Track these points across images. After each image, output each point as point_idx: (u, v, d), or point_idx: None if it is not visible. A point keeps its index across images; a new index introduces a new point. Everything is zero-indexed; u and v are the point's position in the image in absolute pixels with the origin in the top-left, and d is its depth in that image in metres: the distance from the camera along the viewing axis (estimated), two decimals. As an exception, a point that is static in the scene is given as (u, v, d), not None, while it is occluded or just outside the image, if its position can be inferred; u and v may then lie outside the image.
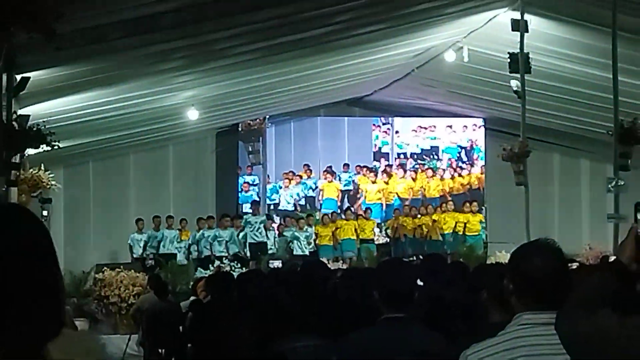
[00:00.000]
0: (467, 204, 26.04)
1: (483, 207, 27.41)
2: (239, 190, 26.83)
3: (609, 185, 17.04)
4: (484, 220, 26.36)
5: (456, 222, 25.60)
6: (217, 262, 21.72)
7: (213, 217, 24.23)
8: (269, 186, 26.97)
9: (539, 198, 24.18)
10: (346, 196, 27.26)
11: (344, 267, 19.78)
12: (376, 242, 25.57)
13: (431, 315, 5.74)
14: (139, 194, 25.68)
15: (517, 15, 17.83)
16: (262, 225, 23.96)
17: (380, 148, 27.88)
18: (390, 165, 27.59)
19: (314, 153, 27.39)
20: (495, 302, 4.78)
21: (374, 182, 27.16)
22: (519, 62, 18.19)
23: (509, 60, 18.38)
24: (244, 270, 18.61)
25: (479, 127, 27.79)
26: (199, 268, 21.42)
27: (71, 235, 22.53)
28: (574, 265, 7.86)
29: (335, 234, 24.80)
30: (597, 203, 25.65)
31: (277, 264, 21.45)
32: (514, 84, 18.86)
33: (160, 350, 14.37)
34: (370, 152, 27.73)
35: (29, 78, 12.90)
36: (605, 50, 16.49)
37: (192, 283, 16.20)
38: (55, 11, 9.40)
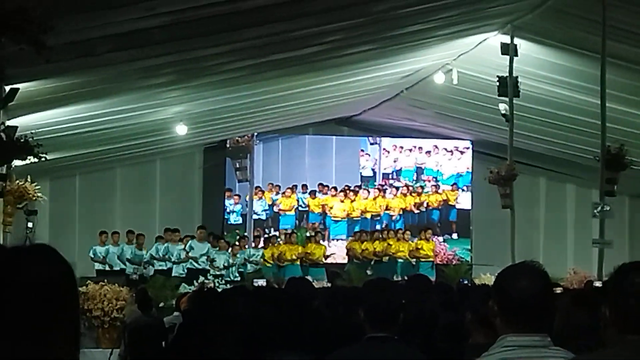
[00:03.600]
0: (422, 232, 26.00)
1: (470, 229, 27.51)
2: (225, 204, 26.79)
3: (595, 211, 17.09)
4: (437, 247, 26.31)
5: (410, 250, 25.42)
6: (201, 278, 21.63)
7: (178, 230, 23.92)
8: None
9: (525, 221, 24.27)
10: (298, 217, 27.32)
11: (328, 285, 19.76)
12: (328, 261, 25.42)
13: (416, 335, 5.73)
14: (125, 208, 25.62)
15: (507, 39, 17.93)
16: (206, 254, 23.27)
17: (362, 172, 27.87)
18: (359, 186, 27.53)
19: (301, 171, 27.39)
20: (479, 323, 4.78)
21: (342, 201, 27.11)
22: (508, 86, 18.29)
23: (497, 83, 18.47)
24: (229, 286, 18.54)
25: (434, 146, 27.90)
26: (182, 283, 21.32)
27: (56, 247, 22.27)
28: (558, 290, 7.87)
29: (281, 257, 24.67)
30: (582, 228, 25.76)
31: (261, 282, 21.36)
32: (503, 107, 18.95)
33: (142, 365, 14.29)
34: (357, 171, 27.74)
35: (17, 89, 12.86)
36: (594, 76, 16.57)
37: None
38: (45, 24, 9.39)
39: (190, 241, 23.31)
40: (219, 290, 14.25)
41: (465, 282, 17.77)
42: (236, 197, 26.82)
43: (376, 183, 27.65)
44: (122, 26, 12.14)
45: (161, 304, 18.87)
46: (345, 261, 25.78)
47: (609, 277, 3.74)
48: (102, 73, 14.71)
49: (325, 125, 27.17)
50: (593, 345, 3.94)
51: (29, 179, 15.53)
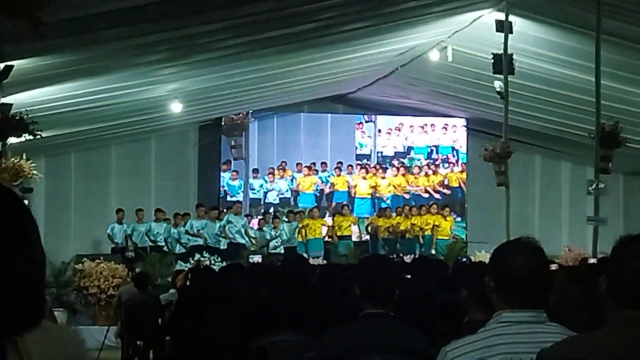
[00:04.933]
0: (441, 209, 26.23)
1: (465, 207, 27.60)
2: (220, 181, 26.81)
3: (590, 188, 17.12)
4: (456, 222, 26.51)
5: (434, 225, 25.73)
6: (197, 256, 21.68)
7: (189, 213, 24.29)
8: (257, 181, 26.94)
9: (520, 199, 24.27)
10: (321, 195, 27.37)
11: (324, 262, 19.81)
12: (355, 239, 25.67)
13: (412, 312, 5.76)
14: (120, 185, 25.63)
15: (501, 16, 17.89)
16: (243, 227, 24.01)
17: (356, 147, 27.90)
18: (375, 165, 27.71)
19: (296, 149, 27.40)
20: (475, 300, 4.80)
21: (364, 178, 27.23)
22: (503, 63, 18.25)
23: (492, 61, 18.43)
24: (224, 264, 18.59)
25: (452, 126, 27.96)
26: (178, 261, 21.39)
27: (51, 225, 22.44)
28: (553, 267, 7.91)
29: (303, 232, 24.90)
30: (577, 205, 25.79)
31: (257, 258, 21.45)
32: (497, 84, 18.92)
33: (138, 342, 14.37)
34: (352, 149, 27.78)
35: (12, 66, 12.83)
36: (589, 53, 16.58)
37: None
38: (40, 0, 9.36)
39: (227, 215, 23.87)
40: (215, 268, 14.26)
41: (464, 260, 17.78)
42: (234, 172, 26.87)
43: (366, 161, 27.77)
44: (118, 3, 12.11)
45: (158, 281, 18.94)
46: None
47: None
48: (97, 50, 14.68)
49: (321, 103, 27.16)
50: (587, 321, 3.97)
51: (24, 157, 15.49)
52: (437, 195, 27.54)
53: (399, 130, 27.96)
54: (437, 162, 27.98)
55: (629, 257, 2.99)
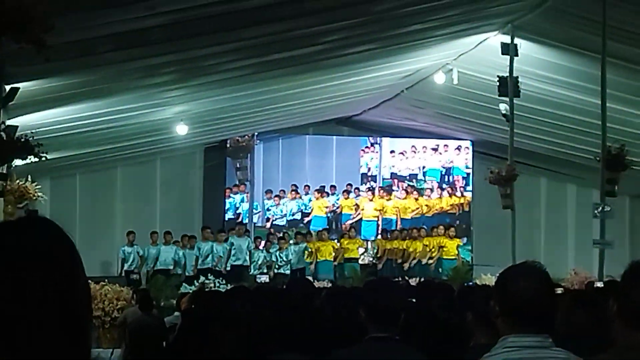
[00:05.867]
0: (446, 230, 26.17)
1: (470, 230, 27.52)
2: (225, 203, 26.77)
3: (596, 211, 17.06)
4: (461, 245, 26.42)
5: (439, 246, 25.71)
6: (201, 278, 21.64)
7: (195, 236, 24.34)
8: (269, 201, 26.95)
9: (525, 222, 24.25)
10: (335, 217, 27.35)
11: (329, 285, 19.75)
12: (360, 262, 25.60)
13: (417, 335, 5.72)
14: (126, 207, 25.60)
15: (507, 39, 17.93)
16: (247, 249, 23.98)
17: (369, 169, 27.88)
18: (382, 187, 27.67)
19: (302, 171, 27.38)
20: (480, 324, 4.77)
21: (370, 200, 27.20)
22: (508, 86, 18.28)
23: (498, 83, 18.46)
24: (229, 287, 18.56)
25: (465, 148, 27.92)
26: (183, 284, 21.35)
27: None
28: (559, 290, 7.86)
29: (313, 256, 24.87)
30: (583, 228, 25.71)
31: (264, 278, 21.48)
32: (503, 107, 18.94)
33: (142, 365, 14.28)
34: (357, 171, 27.75)
35: (18, 89, 12.83)
36: (594, 76, 16.57)
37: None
38: (45, 23, 9.36)
39: (230, 238, 24.13)
40: (220, 290, 14.22)
41: (470, 284, 17.75)
42: (248, 194, 26.90)
43: (372, 184, 27.73)
44: (123, 25, 12.13)
45: (162, 303, 18.89)
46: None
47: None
48: (103, 72, 14.69)
49: (326, 125, 27.17)
50: (593, 345, 3.92)
51: (29, 179, 15.48)
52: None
53: (414, 152, 27.91)
54: (454, 184, 27.91)
55: None
